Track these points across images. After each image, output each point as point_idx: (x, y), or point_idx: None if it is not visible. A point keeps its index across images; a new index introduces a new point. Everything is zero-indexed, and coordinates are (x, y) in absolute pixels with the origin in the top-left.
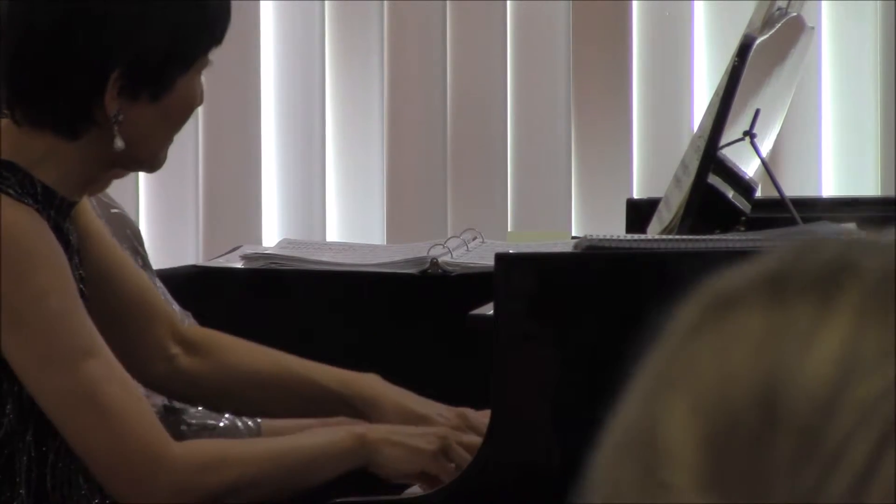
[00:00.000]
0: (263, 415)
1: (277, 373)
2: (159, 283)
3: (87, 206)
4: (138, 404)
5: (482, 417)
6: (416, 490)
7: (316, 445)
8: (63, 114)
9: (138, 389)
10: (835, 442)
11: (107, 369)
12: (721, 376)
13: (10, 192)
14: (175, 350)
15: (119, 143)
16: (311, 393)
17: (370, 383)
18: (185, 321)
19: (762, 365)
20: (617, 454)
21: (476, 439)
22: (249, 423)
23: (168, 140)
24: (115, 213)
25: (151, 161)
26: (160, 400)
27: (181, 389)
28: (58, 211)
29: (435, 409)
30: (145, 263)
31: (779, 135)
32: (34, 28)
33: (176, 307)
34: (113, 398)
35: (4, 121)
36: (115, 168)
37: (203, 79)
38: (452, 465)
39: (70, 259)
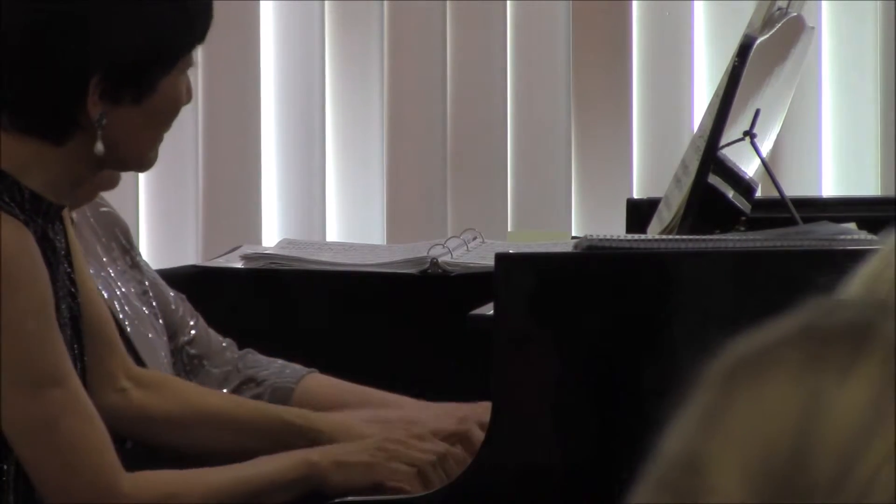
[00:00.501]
0: (215, 453)
1: (232, 407)
2: (159, 280)
3: (69, 223)
4: (96, 439)
5: (475, 414)
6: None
7: (266, 475)
8: (46, 119)
9: (100, 422)
10: (858, 487)
11: (70, 400)
12: (759, 421)
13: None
14: (126, 384)
15: (99, 148)
16: (272, 429)
17: (325, 420)
18: (195, 320)
19: (796, 422)
20: (659, 488)
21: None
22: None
23: (155, 140)
24: (105, 211)
25: (140, 161)
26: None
27: (130, 422)
28: (45, 217)
29: (373, 429)
30: (134, 263)
31: (779, 135)
32: (10, 34)
33: (178, 303)
34: (71, 430)
35: None
36: (105, 169)
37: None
38: (407, 469)
39: (57, 265)
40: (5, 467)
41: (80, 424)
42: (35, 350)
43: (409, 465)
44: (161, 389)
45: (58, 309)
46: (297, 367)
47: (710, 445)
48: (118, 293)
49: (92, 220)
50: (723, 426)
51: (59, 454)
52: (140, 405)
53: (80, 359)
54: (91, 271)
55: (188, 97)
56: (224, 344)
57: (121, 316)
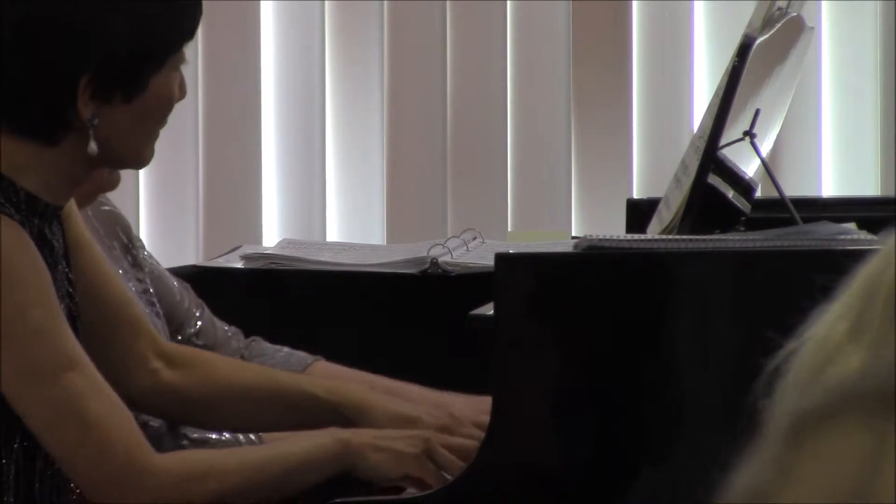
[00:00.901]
0: (250, 429)
1: (264, 384)
2: (164, 272)
3: (77, 216)
4: (120, 417)
5: (468, 411)
6: (415, 490)
7: (300, 452)
8: (38, 121)
9: (120, 402)
10: None
11: (88, 382)
12: (825, 475)
13: None
14: (157, 364)
15: (93, 147)
16: (300, 402)
17: (358, 389)
18: (200, 311)
19: (857, 480)
20: None
21: (465, 442)
22: (252, 437)
23: (150, 138)
24: (106, 210)
25: (136, 159)
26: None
27: (164, 404)
28: (42, 217)
29: (424, 409)
30: (135, 261)
31: (779, 135)
32: (0, 39)
33: (184, 294)
34: (94, 411)
35: None
36: (101, 167)
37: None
38: (434, 468)
39: (55, 265)
40: (5, 464)
41: (104, 405)
42: (44, 340)
43: (442, 465)
44: (195, 367)
45: None
46: (303, 354)
47: (783, 493)
48: None
49: (93, 218)
50: (795, 476)
51: (86, 436)
52: (174, 385)
53: None
54: None
55: (181, 93)
56: (230, 333)
57: None
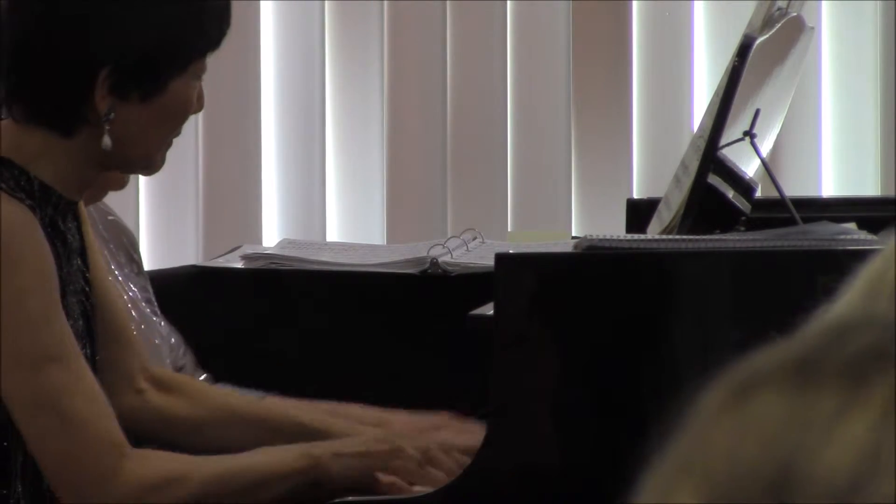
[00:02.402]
0: (232, 451)
1: (252, 409)
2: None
3: (88, 222)
4: (100, 415)
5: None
6: (415, 490)
7: (269, 465)
8: (55, 110)
9: (105, 403)
10: None
11: (73, 377)
12: (735, 461)
13: (3, 186)
14: (144, 385)
15: (107, 142)
16: (285, 427)
17: (343, 422)
18: (171, 339)
19: (779, 452)
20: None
21: (442, 458)
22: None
23: (162, 143)
24: (112, 220)
25: (146, 163)
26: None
27: (148, 424)
28: (55, 208)
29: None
30: (139, 271)
31: (779, 135)
32: (24, 24)
33: (163, 325)
34: (74, 407)
35: (4, 120)
36: (112, 169)
37: (203, 85)
38: (401, 463)
39: (69, 259)
40: (12, 450)
41: (84, 403)
42: (37, 328)
43: (408, 458)
44: (181, 391)
45: (63, 297)
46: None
47: (678, 479)
48: (127, 296)
49: (101, 227)
50: (695, 462)
51: (62, 430)
52: (159, 407)
53: (91, 359)
54: None
55: (199, 105)
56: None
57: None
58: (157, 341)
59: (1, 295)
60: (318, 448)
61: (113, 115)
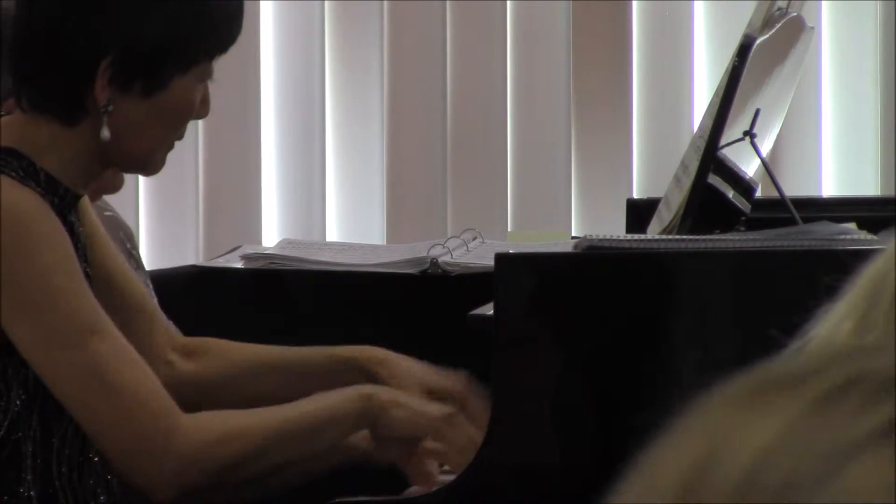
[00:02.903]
0: (272, 402)
1: (283, 354)
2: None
3: (91, 210)
4: (147, 379)
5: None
6: (415, 490)
7: (324, 409)
8: (59, 98)
9: (147, 367)
10: None
11: (114, 346)
12: (675, 445)
13: (13, 174)
14: (172, 357)
15: (105, 133)
16: (322, 363)
17: (377, 348)
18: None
19: (702, 449)
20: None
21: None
22: None
23: (162, 142)
24: (109, 215)
25: (144, 161)
26: None
27: (184, 393)
28: (62, 200)
29: (443, 384)
30: (139, 266)
31: (779, 135)
32: (31, 12)
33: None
34: (121, 374)
35: (11, 115)
36: (112, 165)
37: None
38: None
39: (76, 251)
40: (23, 439)
41: (130, 369)
42: (69, 303)
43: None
44: (207, 353)
45: None
46: None
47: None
48: None
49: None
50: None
51: (113, 399)
52: (190, 374)
53: None
54: None
55: (204, 110)
56: None
57: None
58: None
59: (29, 275)
60: (378, 391)
61: (112, 106)
